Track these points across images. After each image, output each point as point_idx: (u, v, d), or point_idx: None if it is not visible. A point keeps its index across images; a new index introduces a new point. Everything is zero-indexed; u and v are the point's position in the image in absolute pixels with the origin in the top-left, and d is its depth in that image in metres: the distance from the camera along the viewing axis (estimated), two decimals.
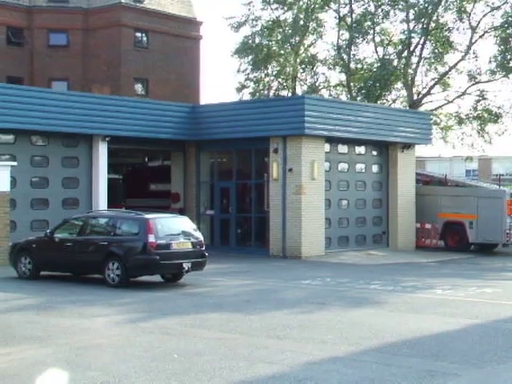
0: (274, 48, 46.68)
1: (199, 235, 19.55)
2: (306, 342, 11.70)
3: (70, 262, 19.36)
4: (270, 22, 46.08)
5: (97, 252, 18.77)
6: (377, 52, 43.52)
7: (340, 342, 11.69)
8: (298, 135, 27.22)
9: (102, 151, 27.33)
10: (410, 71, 42.57)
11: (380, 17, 42.99)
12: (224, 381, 9.35)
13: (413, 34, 41.77)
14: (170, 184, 32.24)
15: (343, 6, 44.08)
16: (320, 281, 20.21)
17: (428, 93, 43.21)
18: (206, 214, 30.76)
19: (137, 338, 12.01)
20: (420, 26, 41.51)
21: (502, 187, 33.11)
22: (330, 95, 46.52)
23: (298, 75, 47.29)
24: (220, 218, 30.31)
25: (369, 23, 42.86)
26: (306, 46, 47.37)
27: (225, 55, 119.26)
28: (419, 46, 42.09)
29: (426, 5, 40.57)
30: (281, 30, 45.87)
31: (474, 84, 42.47)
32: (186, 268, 18.61)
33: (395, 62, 42.61)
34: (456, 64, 42.34)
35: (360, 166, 30.72)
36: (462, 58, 41.93)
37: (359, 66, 45.05)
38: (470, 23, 41.32)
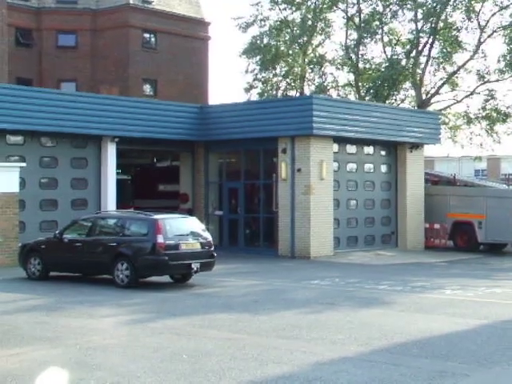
0: (282, 48, 46.64)
1: (208, 236, 19.56)
2: (316, 343, 11.70)
3: (79, 262, 19.40)
4: (278, 22, 46.05)
5: (106, 253, 18.80)
6: (385, 52, 43.47)
7: (349, 343, 11.68)
8: (307, 135, 27.21)
9: (110, 152, 27.37)
10: (419, 71, 42.48)
11: (388, 16, 42.95)
12: (233, 381, 9.35)
13: (421, 34, 41.66)
14: (178, 184, 32.27)
15: (351, 5, 44.05)
16: (329, 281, 20.19)
17: (436, 92, 43.11)
18: (215, 215, 30.77)
19: (146, 338, 12.03)
20: (428, 25, 41.41)
21: (511, 187, 33.04)
22: (339, 95, 46.44)
23: (306, 75, 47.23)
24: (228, 219, 30.32)
25: (377, 23, 42.81)
26: (314, 46, 47.30)
27: (233, 56, 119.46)
28: (427, 46, 41.99)
29: (435, 4, 40.46)
30: (289, 30, 45.84)
31: (482, 83, 42.36)
32: (195, 268, 18.62)
33: (403, 62, 42.51)
34: (465, 63, 42.24)
35: (368, 166, 30.68)
36: (471, 58, 41.82)
37: (367, 65, 44.99)
38: (478, 22, 41.21)
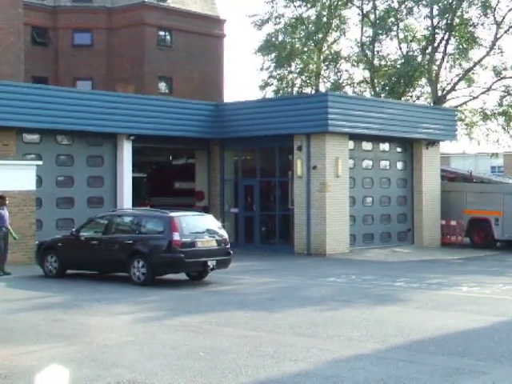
0: (297, 45, 46.58)
1: (224, 233, 19.58)
2: (332, 340, 11.69)
3: (96, 260, 19.48)
4: (293, 20, 45.97)
5: (122, 250, 18.87)
6: (400, 48, 43.32)
7: (366, 340, 11.66)
8: (322, 132, 27.17)
9: (126, 150, 27.45)
10: (434, 67, 42.31)
11: (404, 13, 42.77)
12: (250, 378, 9.36)
13: (437, 30, 41.50)
14: (194, 182, 32.32)
15: (366, 2, 43.88)
16: (345, 278, 20.17)
17: (452, 89, 42.91)
18: (231, 212, 30.80)
19: (162, 335, 12.06)
20: (444, 21, 41.21)
21: None
22: (354, 92, 46.33)
23: (322, 72, 47.15)
24: (244, 216, 30.33)
25: (392, 19, 42.63)
26: (329, 42, 47.20)
27: (248, 53, 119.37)
28: (443, 42, 41.81)
29: (450, 0, 40.28)
30: (304, 27, 45.74)
31: (499, 79, 42.16)
32: (211, 266, 18.66)
33: (419, 59, 42.34)
34: (481, 60, 42.02)
35: (384, 163, 30.60)
36: (487, 54, 41.60)
37: (383, 62, 44.82)
38: (494, 18, 40.95)
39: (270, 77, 47.11)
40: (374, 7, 43.41)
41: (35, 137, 25.81)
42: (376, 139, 29.75)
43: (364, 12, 43.93)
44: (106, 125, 26.48)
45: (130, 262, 18.50)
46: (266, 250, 28.55)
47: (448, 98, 43.03)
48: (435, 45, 41.92)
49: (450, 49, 42.19)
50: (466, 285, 18.80)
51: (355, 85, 47.10)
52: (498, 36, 41.04)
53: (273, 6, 45.71)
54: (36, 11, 41.31)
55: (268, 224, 30.15)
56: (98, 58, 42.34)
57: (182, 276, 19.55)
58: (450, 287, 18.45)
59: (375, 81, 44.13)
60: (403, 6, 42.49)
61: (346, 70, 47.00)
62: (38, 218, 24.31)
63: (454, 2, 40.20)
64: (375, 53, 43.85)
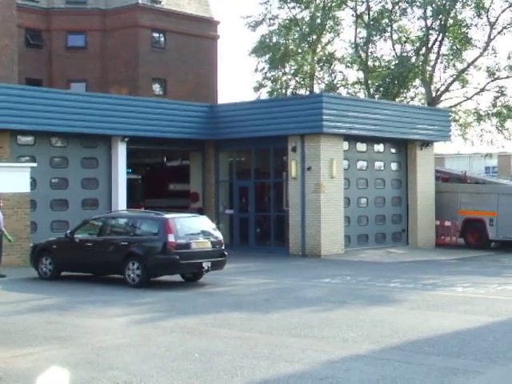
0: (292, 47, 46.66)
1: (219, 234, 19.58)
2: (327, 341, 11.70)
3: (91, 262, 19.45)
4: (287, 21, 46.07)
5: (117, 252, 18.85)
6: (394, 49, 43.42)
7: (361, 341, 11.67)
8: (317, 133, 27.18)
9: (120, 152, 27.43)
10: (428, 68, 42.39)
11: (397, 14, 42.87)
12: (245, 380, 9.36)
13: (430, 31, 41.59)
14: (188, 184, 32.32)
15: (360, 3, 43.99)
16: (340, 279, 20.18)
17: (446, 90, 43.00)
18: (225, 214, 30.80)
19: (158, 337, 12.05)
20: (438, 22, 41.29)
21: None
22: (348, 93, 46.40)
23: (316, 74, 47.23)
24: (239, 217, 30.33)
25: (386, 20, 42.73)
26: (323, 44, 47.32)
27: (242, 54, 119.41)
28: (437, 43, 41.91)
29: (444, 1, 40.34)
30: (298, 28, 45.81)
31: (492, 80, 42.27)
32: (206, 267, 18.64)
33: (413, 59, 42.44)
34: (474, 60, 42.12)
35: (379, 164, 30.63)
36: (481, 55, 41.70)
37: (377, 63, 44.94)
38: (488, 19, 41.06)
39: (264, 78, 47.23)
40: (368, 8, 43.50)
41: (29, 139, 25.77)
42: (370, 140, 29.79)
43: (358, 13, 44.02)
44: (100, 127, 26.45)
45: (125, 263, 18.47)
46: (261, 252, 28.55)
47: (442, 98, 43.13)
48: (429, 46, 42.02)
49: (444, 50, 42.37)
50: (461, 285, 18.83)
51: (349, 86, 47.21)
52: (492, 37, 41.16)
53: (267, 8, 45.91)
54: (30, 13, 41.22)
55: (263, 225, 30.16)
56: (92, 59, 42.27)
57: (177, 278, 19.53)
58: (445, 288, 18.47)
59: (369, 82, 44.21)
60: (397, 7, 42.57)
61: (340, 71, 47.19)
62: (32, 220, 24.26)
63: (448, 3, 40.28)
64: (369, 54, 43.96)
